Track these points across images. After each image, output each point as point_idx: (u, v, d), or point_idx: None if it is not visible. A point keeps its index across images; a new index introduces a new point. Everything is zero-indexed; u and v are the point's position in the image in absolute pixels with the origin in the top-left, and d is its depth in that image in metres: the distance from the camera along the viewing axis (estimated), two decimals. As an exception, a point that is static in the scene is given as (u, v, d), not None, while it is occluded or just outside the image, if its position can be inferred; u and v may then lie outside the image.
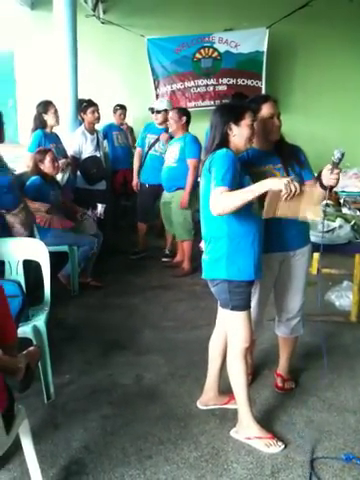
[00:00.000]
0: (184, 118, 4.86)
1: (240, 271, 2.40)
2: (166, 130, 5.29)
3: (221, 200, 2.23)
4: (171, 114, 4.92)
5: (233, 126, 2.38)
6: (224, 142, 2.40)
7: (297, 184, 2.17)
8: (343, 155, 2.30)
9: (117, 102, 6.67)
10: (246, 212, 2.30)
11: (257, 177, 2.39)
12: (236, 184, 2.27)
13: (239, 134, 2.39)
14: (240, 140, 2.40)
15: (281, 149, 2.64)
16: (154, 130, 5.45)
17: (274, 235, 2.60)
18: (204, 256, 2.55)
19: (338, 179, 2.34)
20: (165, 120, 5.35)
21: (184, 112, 4.95)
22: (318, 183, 2.42)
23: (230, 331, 2.56)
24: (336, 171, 2.32)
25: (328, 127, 7.11)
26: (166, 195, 5.07)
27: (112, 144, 6.27)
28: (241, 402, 2.57)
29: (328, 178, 2.33)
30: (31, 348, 2.13)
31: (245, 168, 2.43)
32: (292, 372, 3.10)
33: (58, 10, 5.31)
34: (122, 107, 6.34)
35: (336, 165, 2.31)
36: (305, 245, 2.77)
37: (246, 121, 2.39)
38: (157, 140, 5.37)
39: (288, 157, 2.62)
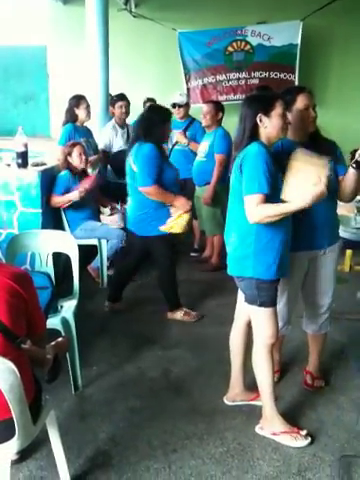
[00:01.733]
0: (220, 113, 4.81)
1: (267, 270, 2.37)
2: (187, 125, 5.26)
3: (258, 213, 2.25)
4: (206, 108, 4.86)
5: (263, 117, 2.32)
6: (255, 134, 2.34)
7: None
8: None
9: (148, 96, 6.67)
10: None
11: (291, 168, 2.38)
12: (271, 185, 2.24)
13: (270, 125, 2.33)
14: (272, 131, 2.34)
15: (317, 142, 2.58)
16: (176, 125, 5.42)
17: (305, 234, 2.57)
18: (230, 252, 2.52)
19: None
20: (186, 114, 5.36)
21: (220, 107, 4.89)
22: (352, 165, 2.45)
23: (257, 327, 2.52)
24: None
25: (361, 122, 6.94)
26: (197, 189, 5.05)
27: None
28: (266, 398, 2.54)
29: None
30: (59, 339, 2.15)
31: (278, 162, 2.36)
32: (322, 371, 3.05)
33: (90, 5, 5.32)
34: (150, 100, 6.25)
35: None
36: (335, 242, 2.74)
37: (277, 111, 2.32)
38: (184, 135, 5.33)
39: (324, 151, 2.54)
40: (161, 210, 3.63)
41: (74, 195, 4.13)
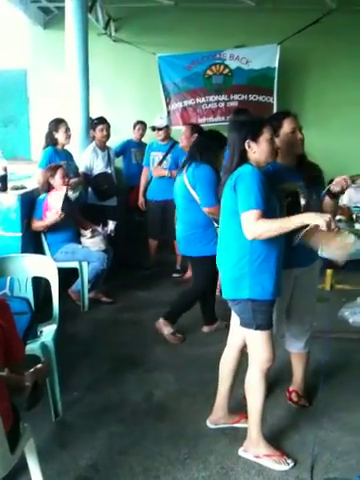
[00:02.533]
0: (196, 135, 4.85)
1: (264, 290, 2.36)
2: (169, 148, 5.34)
3: (258, 227, 2.23)
4: (183, 130, 4.93)
5: (252, 143, 2.34)
6: (243, 160, 2.37)
7: (336, 223, 2.24)
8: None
9: (128, 119, 6.71)
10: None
11: (280, 193, 2.46)
12: (266, 202, 2.26)
13: (259, 150, 2.35)
14: (260, 156, 2.36)
15: (303, 166, 2.64)
16: (157, 148, 5.50)
17: (294, 251, 2.55)
18: (224, 274, 2.50)
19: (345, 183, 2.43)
20: (167, 136, 5.42)
21: (197, 129, 4.94)
22: (327, 197, 2.52)
23: (253, 351, 2.50)
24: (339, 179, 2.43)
25: (341, 142, 7.05)
26: None
27: (129, 160, 6.29)
28: (254, 421, 2.52)
29: (333, 186, 2.47)
30: (39, 365, 2.11)
31: (270, 183, 2.38)
32: (305, 390, 3.05)
33: (70, 29, 5.38)
34: (142, 123, 6.28)
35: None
36: (317, 259, 2.75)
37: (265, 136, 2.34)
38: (164, 158, 5.39)
39: (310, 176, 2.63)
40: (209, 231, 3.65)
41: (53, 218, 4.11)
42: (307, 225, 2.23)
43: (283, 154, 2.58)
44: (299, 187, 2.59)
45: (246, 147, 2.35)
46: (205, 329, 4.02)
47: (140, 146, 6.23)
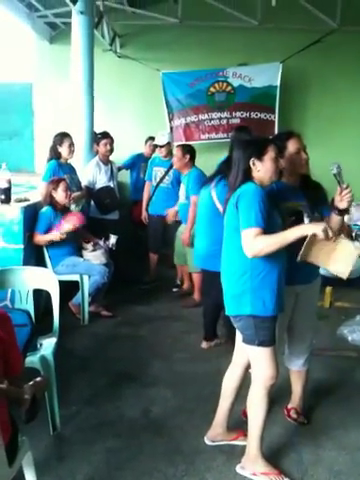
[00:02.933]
0: (188, 156, 4.89)
1: (265, 306, 2.37)
2: (170, 165, 5.36)
3: (257, 244, 2.25)
4: (175, 152, 4.98)
5: (256, 161, 2.37)
6: (248, 178, 2.40)
7: (334, 232, 2.27)
8: (340, 167, 2.48)
9: (132, 134, 6.78)
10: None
11: (283, 211, 2.49)
12: (266, 221, 2.28)
13: (263, 169, 2.38)
14: (265, 175, 2.39)
15: (306, 186, 2.67)
16: (160, 163, 5.56)
17: (296, 268, 2.55)
18: (226, 290, 2.51)
19: (350, 197, 2.43)
20: (169, 152, 5.47)
21: (188, 149, 4.98)
22: (334, 212, 2.52)
23: (256, 368, 2.49)
24: (344, 188, 2.42)
25: (342, 160, 7.00)
26: (181, 228, 5.11)
27: (137, 175, 6.35)
28: (254, 438, 2.51)
29: (339, 201, 2.45)
30: (38, 379, 2.12)
31: (273, 201, 2.41)
32: (304, 408, 3.05)
33: (76, 44, 5.46)
34: (152, 139, 6.28)
35: (338, 179, 2.46)
36: (318, 276, 2.82)
37: (269, 155, 2.38)
38: (166, 173, 5.44)
39: (313, 195, 2.65)
40: None
41: (54, 236, 4.15)
42: (306, 239, 2.26)
43: (287, 173, 2.61)
44: (302, 207, 2.61)
45: (251, 165, 2.38)
46: (204, 345, 4.03)
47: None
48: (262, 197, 2.29)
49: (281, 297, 2.41)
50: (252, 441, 2.52)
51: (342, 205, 2.47)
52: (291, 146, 2.60)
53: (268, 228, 2.28)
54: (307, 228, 2.27)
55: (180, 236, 5.01)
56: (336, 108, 7.27)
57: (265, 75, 6.99)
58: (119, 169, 6.32)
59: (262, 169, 2.38)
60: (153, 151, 6.30)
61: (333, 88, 7.21)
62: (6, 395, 1.91)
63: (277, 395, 3.19)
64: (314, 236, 2.23)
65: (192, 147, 5.08)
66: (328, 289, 4.89)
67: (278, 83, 6.93)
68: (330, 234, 2.22)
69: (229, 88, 7.04)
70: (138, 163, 6.39)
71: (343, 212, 2.52)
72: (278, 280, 2.38)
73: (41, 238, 4.18)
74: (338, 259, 2.39)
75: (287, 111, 7.10)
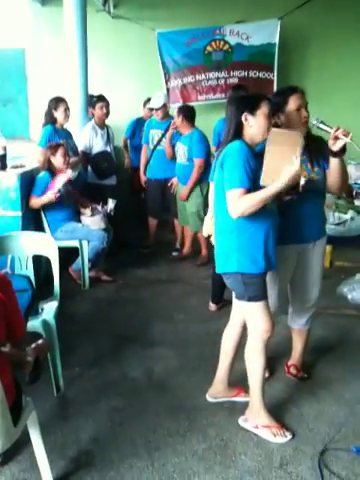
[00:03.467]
0: (181, 115, 4.86)
1: (252, 263, 2.39)
2: (168, 125, 5.27)
3: (240, 205, 2.26)
4: (175, 114, 4.94)
5: (249, 116, 2.34)
6: (239, 134, 2.37)
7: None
8: (318, 119, 2.43)
9: (128, 96, 6.65)
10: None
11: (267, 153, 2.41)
12: (251, 181, 2.27)
13: (255, 124, 2.35)
14: (256, 131, 2.36)
15: (307, 141, 2.57)
16: (156, 125, 5.45)
17: (294, 227, 2.61)
18: (216, 249, 2.54)
19: (345, 132, 2.34)
20: (166, 115, 5.37)
21: (182, 109, 4.93)
22: (331, 158, 2.47)
23: (250, 322, 2.54)
24: (335, 130, 2.34)
25: (343, 117, 6.88)
26: (180, 188, 5.09)
27: (139, 140, 6.23)
28: (255, 391, 2.56)
29: (333, 144, 2.38)
30: (39, 341, 2.14)
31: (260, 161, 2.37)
32: (304, 365, 3.09)
33: (68, 6, 5.30)
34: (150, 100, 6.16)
35: (325, 128, 2.41)
36: (323, 236, 2.79)
37: (262, 110, 2.35)
38: (163, 136, 5.35)
39: (314, 149, 2.60)
40: None
41: (49, 197, 4.12)
42: (292, 188, 2.29)
43: (286, 129, 2.54)
44: (301, 161, 2.57)
45: (243, 120, 2.35)
46: (212, 307, 4.04)
47: None
48: (247, 156, 2.28)
49: (269, 255, 2.42)
50: (254, 395, 2.57)
51: (336, 146, 2.38)
52: (292, 102, 2.54)
53: (254, 188, 2.28)
54: (283, 178, 2.22)
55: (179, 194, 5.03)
56: (338, 65, 7.10)
57: (263, 32, 6.81)
58: (125, 143, 6.25)
59: (254, 124, 2.35)
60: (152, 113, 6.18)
61: (334, 44, 7.02)
62: (9, 358, 1.93)
63: (278, 353, 3.25)
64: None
65: (187, 107, 5.02)
66: (328, 248, 4.87)
67: (277, 40, 6.76)
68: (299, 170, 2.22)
69: (226, 47, 6.87)
70: (138, 128, 6.26)
71: (338, 154, 2.43)
72: (265, 238, 2.39)
73: (37, 200, 4.15)
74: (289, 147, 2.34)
75: (286, 69, 6.94)
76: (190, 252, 5.28)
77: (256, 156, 2.38)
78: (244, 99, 2.48)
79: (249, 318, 2.53)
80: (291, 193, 2.43)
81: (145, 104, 6.24)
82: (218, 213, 2.47)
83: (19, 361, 2.00)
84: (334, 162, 2.49)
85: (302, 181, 2.42)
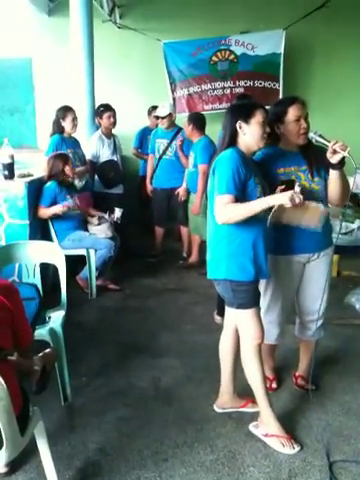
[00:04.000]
0: (191, 124, 4.91)
1: (240, 271, 2.41)
2: (174, 135, 5.32)
3: (226, 212, 2.29)
4: (184, 122, 4.98)
5: (243, 124, 2.36)
6: (234, 141, 2.40)
7: (301, 197, 2.24)
8: (317, 132, 2.45)
9: (134, 106, 6.69)
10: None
11: (280, 176, 2.51)
12: (240, 188, 2.29)
13: (249, 132, 2.37)
14: (251, 139, 2.38)
15: (308, 151, 2.61)
16: (162, 135, 5.48)
17: (299, 237, 2.59)
18: (207, 255, 2.57)
19: (342, 146, 2.33)
20: (171, 124, 5.40)
21: (192, 118, 4.97)
22: (330, 170, 2.47)
23: (240, 329, 2.56)
24: (333, 144, 2.33)
25: (347, 127, 6.96)
26: (191, 196, 5.16)
27: (147, 149, 6.24)
28: (260, 398, 2.56)
29: (331, 157, 2.38)
30: (47, 350, 2.14)
31: (253, 169, 2.40)
32: (311, 376, 3.06)
33: (74, 16, 5.36)
34: (155, 108, 5.98)
35: (323, 142, 2.41)
36: (329, 246, 2.75)
37: (257, 119, 2.36)
38: (169, 145, 5.38)
39: (314, 160, 2.59)
40: None
41: (58, 209, 4.14)
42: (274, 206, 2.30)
43: (286, 141, 2.58)
44: (300, 171, 2.57)
45: (237, 128, 2.37)
46: (217, 319, 4.01)
47: None
48: (238, 164, 2.30)
49: (258, 263, 2.42)
50: (259, 401, 2.56)
51: (334, 159, 2.38)
52: (291, 113, 2.53)
53: (243, 195, 2.30)
54: (272, 199, 2.27)
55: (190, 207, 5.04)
56: (342, 75, 7.13)
57: (268, 43, 6.84)
58: (137, 152, 6.27)
59: (248, 132, 2.37)
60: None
61: (338, 54, 7.06)
62: (16, 367, 1.93)
63: (286, 363, 3.24)
64: (281, 205, 2.25)
65: (197, 115, 5.06)
66: (335, 258, 4.87)
67: (282, 50, 6.79)
68: (297, 200, 2.22)
69: (232, 56, 6.91)
70: (145, 137, 6.28)
71: (337, 166, 2.42)
72: (254, 246, 2.40)
73: (45, 211, 4.17)
74: (309, 219, 2.44)
75: (292, 79, 6.97)
76: (197, 261, 5.26)
77: (253, 164, 2.41)
78: (239, 107, 2.52)
79: (239, 325, 2.56)
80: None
81: (150, 112, 6.26)
82: (210, 220, 2.49)
83: (26, 370, 1.99)
84: (333, 174, 2.49)
85: (297, 188, 2.42)
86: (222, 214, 2.31)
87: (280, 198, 2.25)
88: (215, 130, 5.14)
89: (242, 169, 2.31)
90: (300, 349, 3.05)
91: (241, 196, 2.30)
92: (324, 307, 2.81)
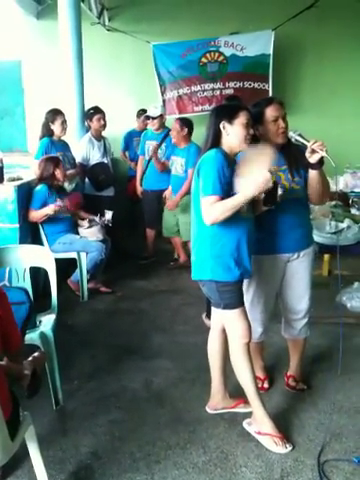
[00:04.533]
0: (186, 129, 4.90)
1: (225, 272, 2.42)
2: (164, 136, 5.32)
3: (212, 211, 2.30)
4: (173, 124, 4.96)
5: (227, 125, 2.37)
6: (217, 142, 2.40)
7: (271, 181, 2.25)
8: (297, 131, 2.46)
9: (124, 108, 6.69)
10: (232, 214, 2.30)
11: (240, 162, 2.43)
12: (226, 189, 2.30)
13: (233, 133, 2.38)
14: (234, 140, 2.39)
15: (287, 151, 2.62)
16: (152, 137, 5.49)
17: (279, 236, 2.63)
18: (192, 257, 2.57)
19: (321, 146, 2.34)
20: (161, 125, 5.41)
21: (186, 123, 4.96)
22: (309, 170, 2.49)
23: (228, 329, 2.57)
24: (312, 143, 2.35)
25: (338, 127, 6.99)
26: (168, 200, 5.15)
27: (133, 151, 6.24)
28: (251, 398, 2.56)
29: (310, 157, 2.40)
30: (36, 353, 2.13)
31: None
32: (303, 374, 3.08)
33: (63, 19, 5.35)
34: (144, 111, 6.09)
35: (302, 141, 2.42)
36: (309, 246, 2.78)
37: (240, 120, 2.37)
38: (158, 147, 5.38)
39: (294, 159, 2.60)
40: None
41: (50, 209, 4.13)
42: (270, 198, 2.36)
43: (264, 142, 2.54)
44: (281, 171, 2.58)
45: (221, 128, 2.38)
46: (207, 322, 4.01)
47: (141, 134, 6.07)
48: (222, 164, 2.31)
49: (243, 263, 2.44)
50: (251, 400, 2.57)
51: (313, 158, 2.40)
52: (269, 113, 2.53)
53: (228, 196, 2.29)
54: (250, 190, 2.25)
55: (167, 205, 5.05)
56: (333, 75, 7.16)
57: (257, 43, 6.86)
58: (124, 155, 6.27)
59: (231, 133, 2.37)
60: (146, 124, 6.18)
61: (328, 54, 7.09)
62: (6, 371, 1.92)
63: (277, 363, 3.24)
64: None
65: (190, 121, 5.04)
66: (326, 257, 4.86)
67: (271, 51, 6.80)
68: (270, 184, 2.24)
69: (221, 58, 6.92)
70: (130, 140, 6.29)
71: (316, 166, 2.44)
72: (238, 247, 2.41)
73: (36, 213, 4.16)
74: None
75: (281, 80, 6.98)
76: (187, 260, 5.27)
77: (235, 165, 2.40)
78: (223, 108, 2.54)
79: (226, 325, 2.57)
80: (268, 203, 2.44)
81: (139, 115, 6.26)
82: (194, 221, 2.49)
83: (16, 374, 1.99)
84: (312, 173, 2.51)
85: (280, 191, 2.44)
86: (209, 214, 2.31)
87: (255, 186, 2.23)
88: (204, 132, 5.19)
89: (227, 170, 2.31)
90: (289, 348, 3.05)
91: (227, 197, 2.30)
92: (308, 306, 2.83)
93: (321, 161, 2.42)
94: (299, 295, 2.79)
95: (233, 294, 2.46)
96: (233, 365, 2.59)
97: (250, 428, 2.61)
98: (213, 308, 2.65)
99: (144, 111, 6.07)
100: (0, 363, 1.93)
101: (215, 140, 2.40)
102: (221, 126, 2.38)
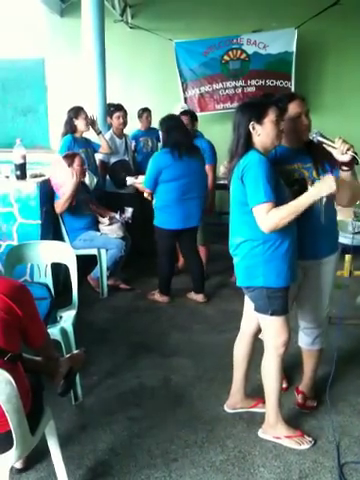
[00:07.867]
0: (196, 123, 4.91)
1: (278, 277, 2.35)
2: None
3: (271, 219, 2.21)
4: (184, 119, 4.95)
5: (256, 125, 2.29)
6: (249, 143, 2.32)
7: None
8: (318, 132, 2.36)
9: (146, 106, 6.69)
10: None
11: (285, 175, 2.40)
12: (274, 192, 2.22)
13: (263, 132, 2.29)
14: (266, 139, 2.31)
15: (312, 148, 2.52)
16: None
17: (306, 242, 2.51)
18: (237, 262, 2.48)
19: (348, 145, 2.26)
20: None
21: (195, 115, 4.96)
22: (340, 169, 2.37)
23: (268, 336, 2.49)
24: (336, 142, 2.27)
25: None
26: None
27: (141, 150, 6.25)
28: (271, 405, 2.54)
29: (340, 155, 2.29)
30: (75, 352, 2.15)
31: (275, 168, 2.33)
32: (314, 389, 2.92)
33: (86, 16, 5.37)
34: (146, 110, 6.07)
35: (326, 141, 2.33)
36: (333, 253, 2.65)
37: (270, 117, 2.29)
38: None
39: (319, 156, 2.51)
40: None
41: (71, 184, 4.14)
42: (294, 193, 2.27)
43: (288, 138, 2.48)
44: (304, 168, 2.49)
45: (250, 129, 2.30)
46: (195, 296, 4.43)
47: (148, 134, 6.04)
48: (267, 167, 2.23)
49: (293, 268, 2.39)
50: (270, 409, 2.54)
51: (344, 157, 2.29)
52: (292, 109, 2.45)
53: (277, 199, 2.22)
54: (317, 191, 2.19)
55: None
56: (354, 73, 7.06)
57: (280, 41, 6.81)
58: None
59: (262, 133, 2.30)
60: (150, 122, 6.03)
61: (351, 53, 6.99)
62: (42, 369, 1.94)
63: (296, 363, 3.21)
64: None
65: (194, 114, 5.03)
66: (348, 258, 4.82)
67: (294, 49, 6.75)
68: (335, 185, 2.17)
69: (244, 55, 6.89)
70: (137, 140, 6.23)
71: (349, 164, 2.32)
72: (289, 251, 2.34)
73: (62, 201, 4.18)
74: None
75: (304, 78, 6.92)
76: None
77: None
78: (249, 106, 2.39)
79: (268, 332, 2.49)
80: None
81: (141, 115, 6.12)
82: (238, 227, 2.41)
83: (51, 371, 2.00)
84: (344, 175, 2.37)
85: (310, 187, 2.36)
86: (268, 222, 2.22)
87: (323, 187, 2.18)
88: (226, 129, 5.15)
89: (272, 172, 2.24)
90: (303, 360, 2.91)
91: (276, 200, 2.22)
92: (325, 316, 2.74)
93: (354, 161, 2.30)
94: (317, 303, 2.69)
95: (282, 300, 2.38)
96: (263, 371, 2.54)
97: (267, 436, 2.57)
98: (251, 313, 2.55)
99: (145, 110, 6.03)
100: (37, 359, 1.94)
101: (247, 141, 2.31)
102: (250, 127, 2.29)
